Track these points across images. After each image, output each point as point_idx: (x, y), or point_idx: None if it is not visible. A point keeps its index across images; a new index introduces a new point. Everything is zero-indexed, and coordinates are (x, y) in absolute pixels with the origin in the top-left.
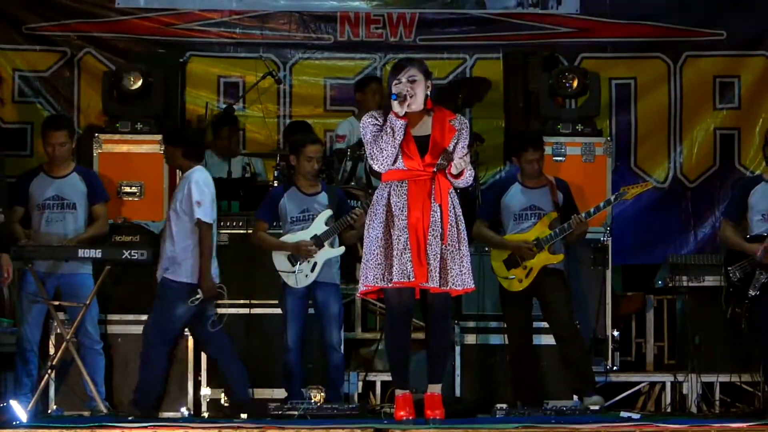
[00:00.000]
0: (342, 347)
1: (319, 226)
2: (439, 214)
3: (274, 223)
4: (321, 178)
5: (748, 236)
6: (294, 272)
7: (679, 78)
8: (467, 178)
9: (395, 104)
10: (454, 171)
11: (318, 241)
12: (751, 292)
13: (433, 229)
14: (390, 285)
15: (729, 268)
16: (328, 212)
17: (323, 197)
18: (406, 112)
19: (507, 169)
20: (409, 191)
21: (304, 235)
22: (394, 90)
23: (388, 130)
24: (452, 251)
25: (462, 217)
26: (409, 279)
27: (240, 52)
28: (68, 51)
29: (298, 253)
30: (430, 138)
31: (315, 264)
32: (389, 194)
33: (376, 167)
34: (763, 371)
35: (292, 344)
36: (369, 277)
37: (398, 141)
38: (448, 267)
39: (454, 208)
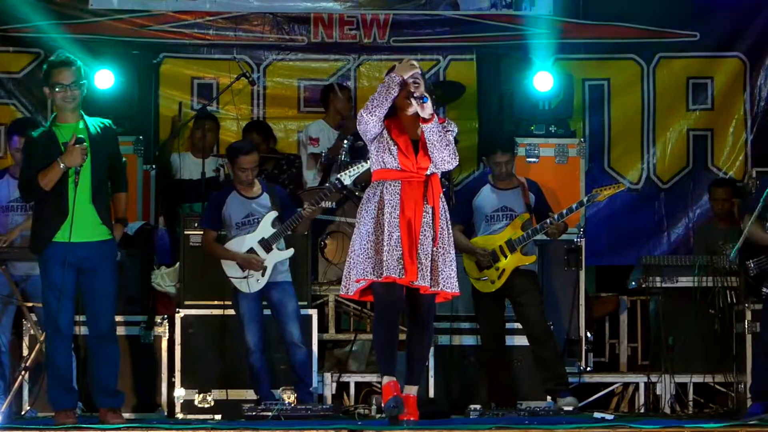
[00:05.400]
0: (303, 342)
1: (265, 229)
2: (431, 215)
3: (221, 231)
4: (282, 179)
5: None
6: (245, 278)
7: (652, 79)
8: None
9: (422, 105)
10: (426, 113)
11: (266, 244)
12: (765, 290)
13: (424, 230)
14: (380, 279)
15: (747, 262)
16: (274, 214)
17: (265, 198)
18: (400, 116)
19: (479, 172)
20: (402, 191)
21: (251, 240)
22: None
23: (386, 83)
24: (443, 254)
25: (450, 222)
26: (399, 275)
27: (214, 54)
28: (42, 52)
29: (248, 267)
30: (420, 142)
31: (265, 268)
32: (382, 192)
33: (364, 112)
34: (752, 371)
35: (254, 346)
36: (358, 270)
37: (392, 95)
38: (439, 269)
39: (445, 211)
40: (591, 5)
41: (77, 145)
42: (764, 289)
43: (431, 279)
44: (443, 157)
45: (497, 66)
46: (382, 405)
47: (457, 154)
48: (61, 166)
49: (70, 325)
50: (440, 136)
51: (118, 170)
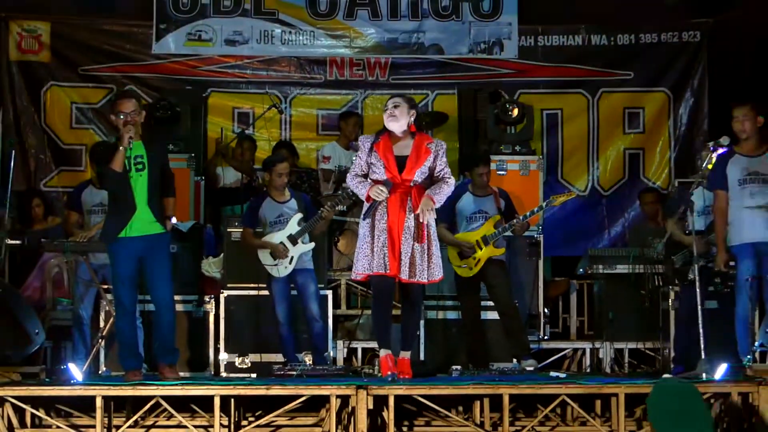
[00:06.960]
0: (321, 317)
1: (292, 226)
2: (413, 220)
3: (258, 228)
4: (303, 188)
5: (687, 232)
6: (276, 265)
7: (596, 109)
8: (446, 194)
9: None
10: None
11: (293, 239)
12: (691, 275)
13: (405, 233)
14: (373, 273)
15: (673, 257)
16: (299, 215)
17: (293, 203)
18: (390, 133)
19: (460, 182)
20: (389, 199)
21: (282, 235)
22: (385, 114)
23: (360, 188)
24: (421, 251)
25: (433, 223)
26: (385, 270)
27: (250, 89)
28: (114, 87)
29: (276, 255)
30: (408, 158)
31: (292, 258)
32: (376, 201)
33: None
34: (675, 339)
35: (283, 319)
36: (358, 266)
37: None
38: (417, 264)
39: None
40: (547, 51)
41: (125, 127)
42: (690, 275)
43: (410, 271)
44: (444, 197)
45: (474, 98)
46: (382, 376)
47: (450, 176)
48: (121, 148)
49: (133, 304)
50: (441, 197)
51: (168, 180)
